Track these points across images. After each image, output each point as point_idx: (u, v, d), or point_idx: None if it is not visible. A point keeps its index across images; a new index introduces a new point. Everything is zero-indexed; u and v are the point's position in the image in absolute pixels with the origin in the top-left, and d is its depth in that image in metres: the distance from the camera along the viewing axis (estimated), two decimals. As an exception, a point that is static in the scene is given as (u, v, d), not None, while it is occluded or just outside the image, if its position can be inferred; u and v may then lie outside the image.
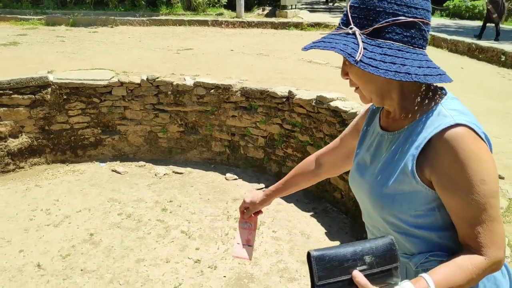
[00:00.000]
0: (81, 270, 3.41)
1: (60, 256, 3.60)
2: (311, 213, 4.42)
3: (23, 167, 5.37)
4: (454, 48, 10.06)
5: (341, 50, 0.95)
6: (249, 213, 1.59)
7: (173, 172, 5.40)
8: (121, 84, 5.43)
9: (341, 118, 4.15)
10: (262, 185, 5.02)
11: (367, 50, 0.96)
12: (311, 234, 4.01)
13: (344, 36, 0.98)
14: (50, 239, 3.86)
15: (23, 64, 6.21)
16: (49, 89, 5.30)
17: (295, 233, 4.01)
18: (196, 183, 5.11)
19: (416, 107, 1.06)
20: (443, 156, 0.97)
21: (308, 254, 0.94)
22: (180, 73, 5.80)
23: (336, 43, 0.97)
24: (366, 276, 0.93)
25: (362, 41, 0.96)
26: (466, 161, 0.94)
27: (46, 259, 3.56)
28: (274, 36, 11.35)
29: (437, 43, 10.52)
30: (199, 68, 6.25)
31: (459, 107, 1.03)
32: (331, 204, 4.55)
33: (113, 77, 5.49)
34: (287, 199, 4.66)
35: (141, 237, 3.91)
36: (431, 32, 10.80)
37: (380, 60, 0.94)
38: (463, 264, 0.95)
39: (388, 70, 0.93)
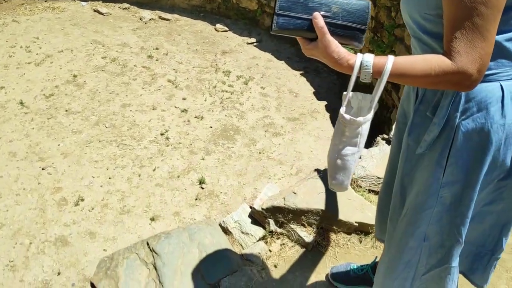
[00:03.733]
0: (66, 110, 3.38)
1: (44, 96, 3.52)
2: (302, 71, 4.32)
3: (-4, -1, 4.97)
4: None
5: None
6: None
7: (159, 17, 5.09)
8: None
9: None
10: (253, 40, 4.81)
11: None
12: (299, 92, 3.97)
13: None
14: (32, 78, 3.73)
15: None
16: None
17: (284, 91, 3.96)
18: (183, 31, 4.86)
19: None
20: None
21: None
22: None
23: None
24: (327, 23, 0.95)
25: None
26: None
27: (29, 98, 3.48)
28: None
29: None
30: None
31: None
32: (322, 64, 4.43)
33: None
34: (278, 56, 4.52)
35: (126, 82, 3.81)
36: None
37: None
38: (428, 59, 0.96)
39: None
